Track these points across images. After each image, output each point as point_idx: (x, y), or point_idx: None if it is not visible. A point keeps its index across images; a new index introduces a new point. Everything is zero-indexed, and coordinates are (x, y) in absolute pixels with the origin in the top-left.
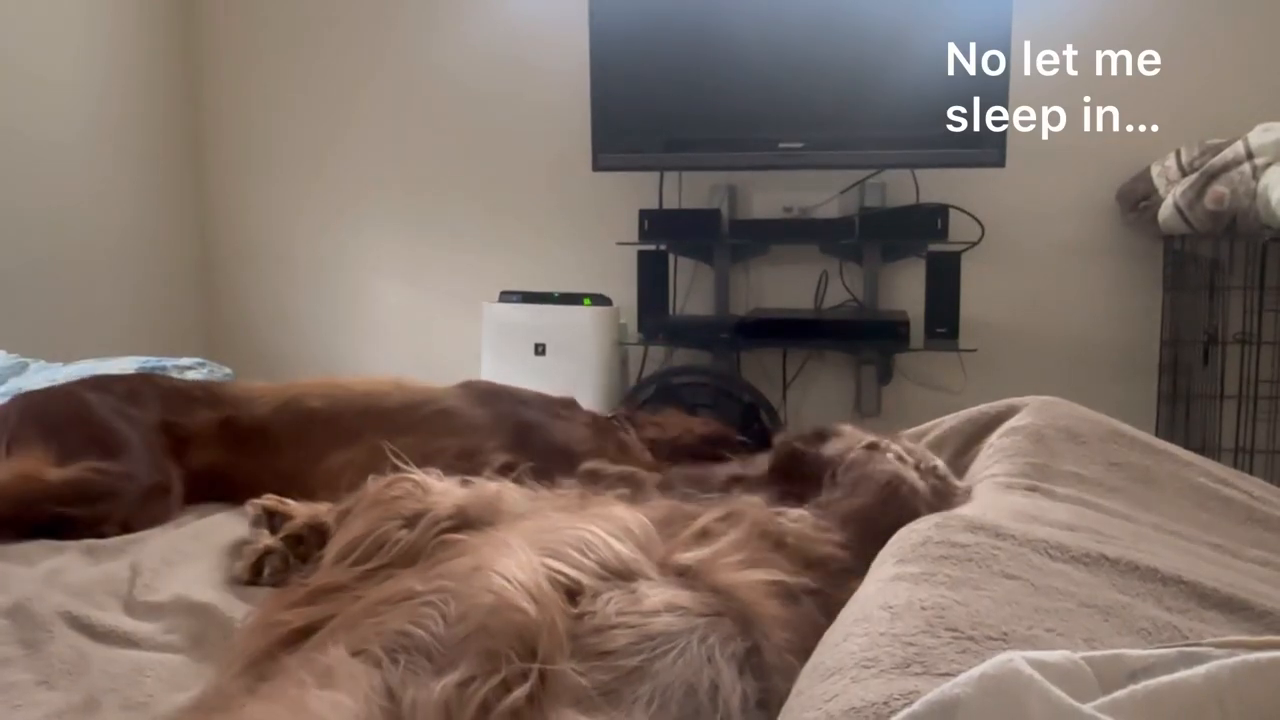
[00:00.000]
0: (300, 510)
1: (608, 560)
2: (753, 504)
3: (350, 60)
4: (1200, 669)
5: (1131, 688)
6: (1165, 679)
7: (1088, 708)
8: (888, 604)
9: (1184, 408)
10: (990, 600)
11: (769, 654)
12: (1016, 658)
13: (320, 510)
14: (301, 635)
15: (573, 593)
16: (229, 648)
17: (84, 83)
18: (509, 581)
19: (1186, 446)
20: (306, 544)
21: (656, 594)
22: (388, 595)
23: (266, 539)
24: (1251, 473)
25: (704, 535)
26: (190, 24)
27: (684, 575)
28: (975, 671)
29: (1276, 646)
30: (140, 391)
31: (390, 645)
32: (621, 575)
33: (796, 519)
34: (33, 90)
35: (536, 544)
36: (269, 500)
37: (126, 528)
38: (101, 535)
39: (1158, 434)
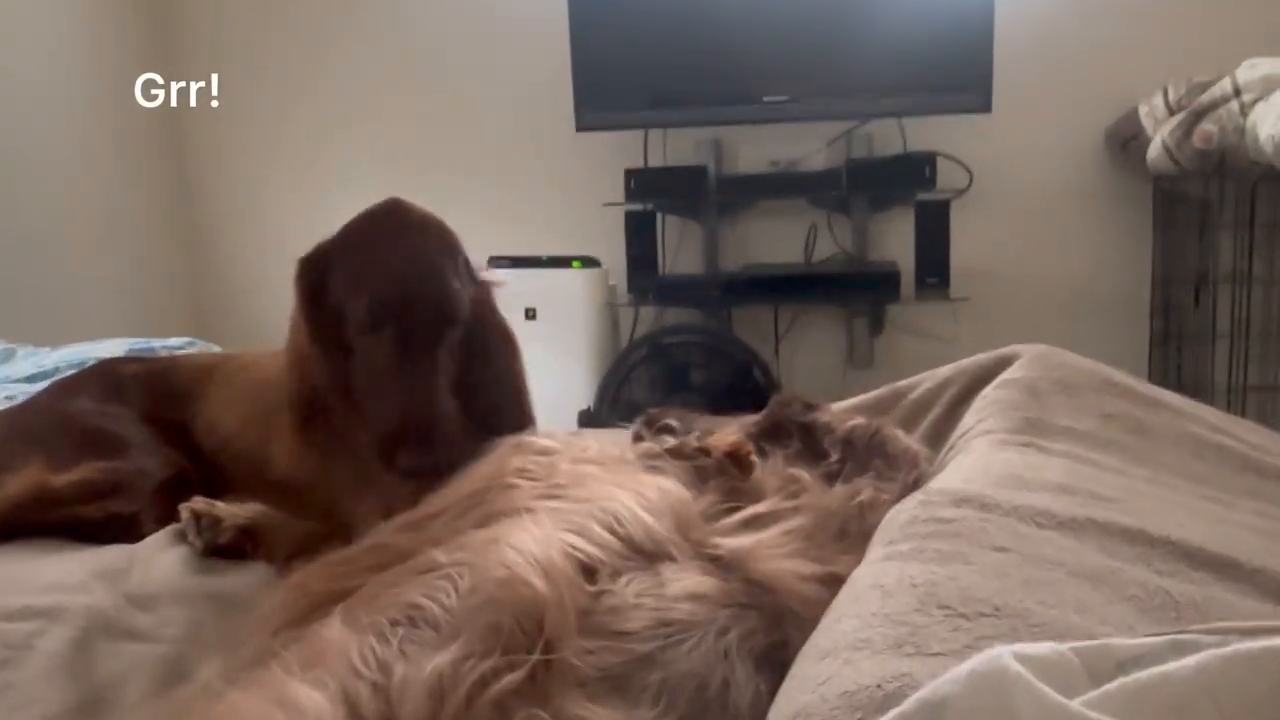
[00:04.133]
0: (228, 513)
1: (636, 537)
2: (812, 486)
3: (327, 27)
4: (1191, 660)
5: (1121, 680)
6: (1155, 671)
7: (1075, 704)
8: (879, 583)
9: (1176, 348)
10: (980, 574)
11: (796, 649)
12: (1005, 654)
13: (250, 513)
14: (339, 599)
15: (591, 570)
16: (263, 611)
17: (59, 59)
18: (522, 556)
19: (1179, 386)
20: (244, 552)
21: (681, 580)
22: (412, 566)
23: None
24: (1244, 411)
25: (755, 521)
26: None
27: (718, 562)
28: (964, 668)
29: (1269, 632)
30: (110, 384)
31: (397, 618)
32: (649, 555)
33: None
34: (4, 68)
35: (563, 517)
36: (197, 503)
37: (143, 524)
38: (119, 535)
39: (1150, 375)
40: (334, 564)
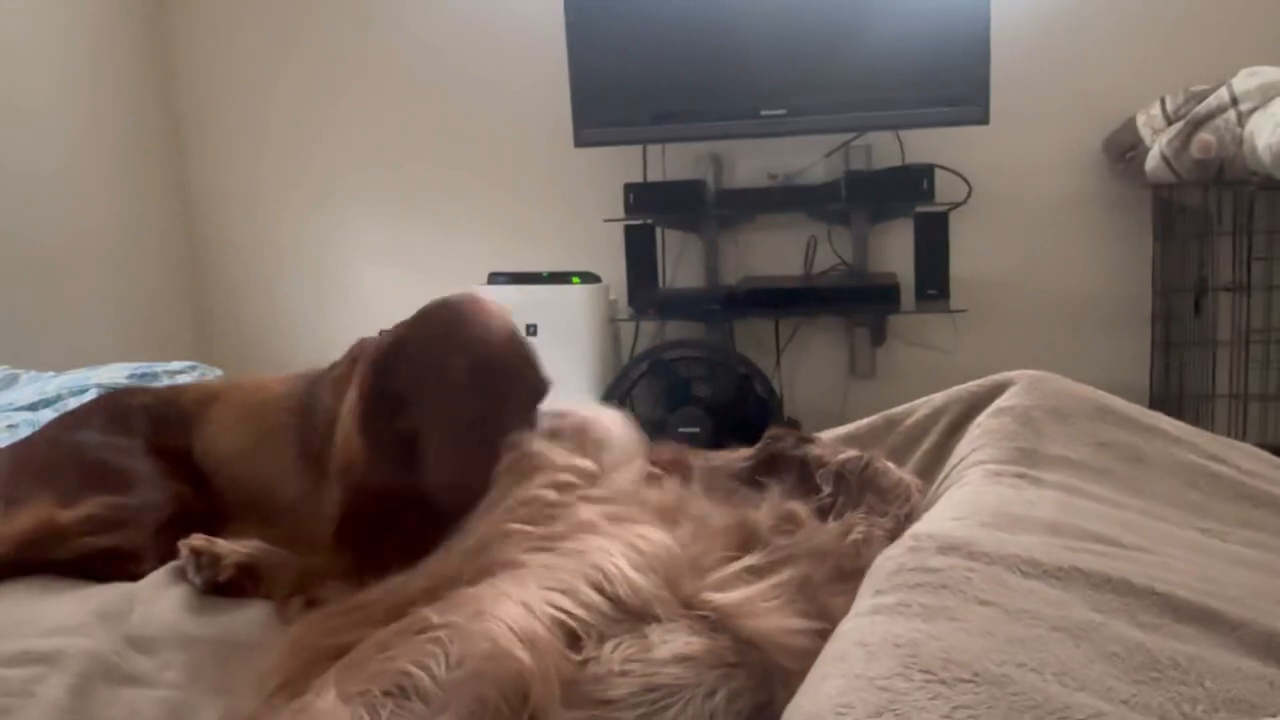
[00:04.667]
0: (228, 551)
1: (624, 597)
2: (808, 521)
3: (326, 46)
4: None
5: None
6: None
7: None
8: (864, 641)
9: (1178, 357)
10: (964, 632)
11: (781, 707)
12: None
13: (250, 549)
14: (336, 655)
15: (577, 636)
16: (261, 668)
17: (58, 83)
18: (507, 627)
19: (1181, 395)
20: (244, 589)
21: (669, 642)
22: (405, 626)
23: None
24: (1245, 419)
25: (747, 573)
26: (164, 21)
27: (708, 619)
28: None
29: None
30: (117, 416)
31: (388, 688)
32: (637, 614)
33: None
34: (3, 92)
35: (552, 574)
36: (196, 540)
37: (145, 560)
38: (122, 571)
39: (1152, 384)
40: (333, 617)
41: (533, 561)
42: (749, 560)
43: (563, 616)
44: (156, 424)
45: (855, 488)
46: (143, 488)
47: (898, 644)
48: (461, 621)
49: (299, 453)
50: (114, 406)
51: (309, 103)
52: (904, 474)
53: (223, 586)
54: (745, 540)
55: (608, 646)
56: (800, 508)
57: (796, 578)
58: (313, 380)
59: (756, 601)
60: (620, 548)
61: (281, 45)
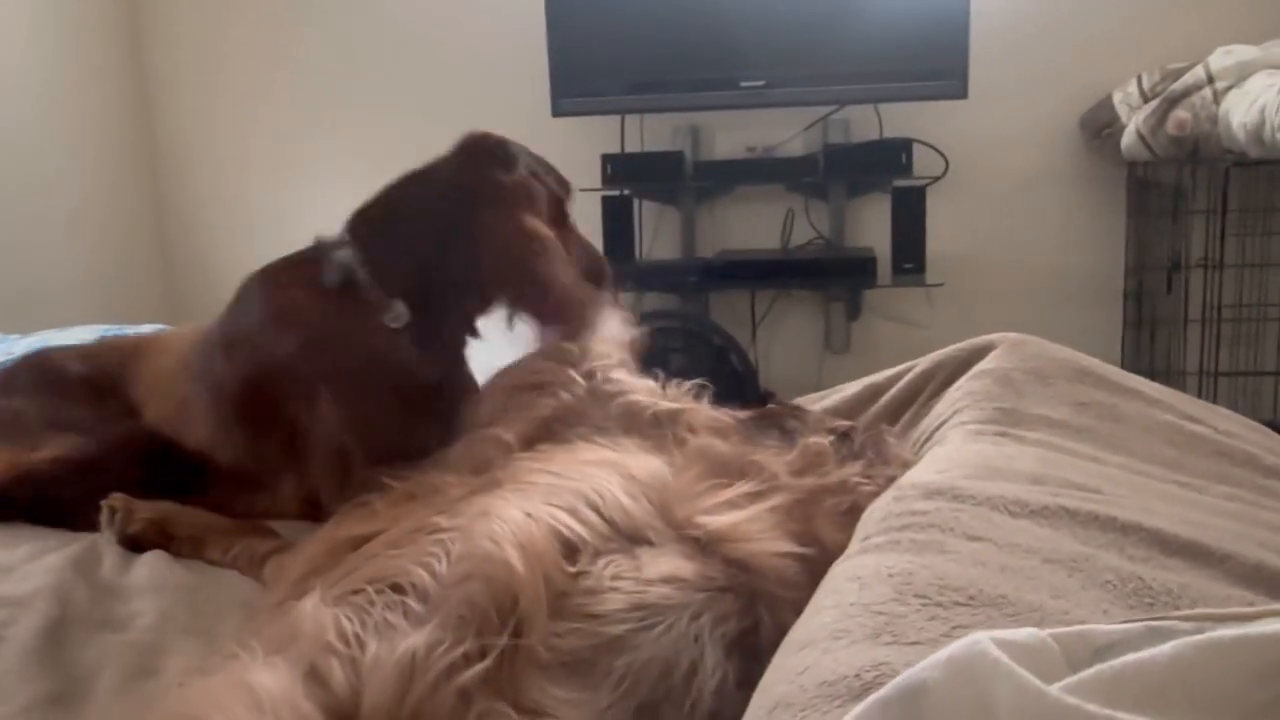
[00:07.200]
0: (141, 507)
1: (616, 519)
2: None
3: (299, 11)
4: (1166, 647)
5: (1097, 667)
6: (1130, 658)
7: (1053, 689)
8: (856, 575)
9: (1149, 333)
10: (956, 562)
11: (767, 633)
12: (984, 639)
13: (163, 509)
14: (354, 545)
15: (575, 549)
16: (293, 562)
17: (22, 45)
18: (510, 531)
19: (1152, 371)
20: (157, 544)
21: (659, 563)
22: (417, 525)
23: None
24: (1215, 395)
25: (738, 500)
26: None
27: (699, 542)
28: (943, 654)
29: (1240, 619)
30: (44, 377)
31: (384, 587)
32: (629, 536)
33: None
34: None
35: (553, 495)
36: (115, 500)
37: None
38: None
39: (1124, 360)
40: (355, 510)
41: (540, 481)
42: (742, 487)
43: (562, 529)
44: (86, 381)
45: (859, 444)
46: (100, 428)
47: (891, 574)
48: (467, 523)
49: (219, 420)
50: (41, 366)
51: (280, 67)
52: (904, 448)
53: (136, 540)
54: (742, 471)
55: (600, 562)
56: (829, 446)
57: (787, 503)
58: (209, 337)
59: (746, 525)
60: (615, 474)
61: (253, 9)
